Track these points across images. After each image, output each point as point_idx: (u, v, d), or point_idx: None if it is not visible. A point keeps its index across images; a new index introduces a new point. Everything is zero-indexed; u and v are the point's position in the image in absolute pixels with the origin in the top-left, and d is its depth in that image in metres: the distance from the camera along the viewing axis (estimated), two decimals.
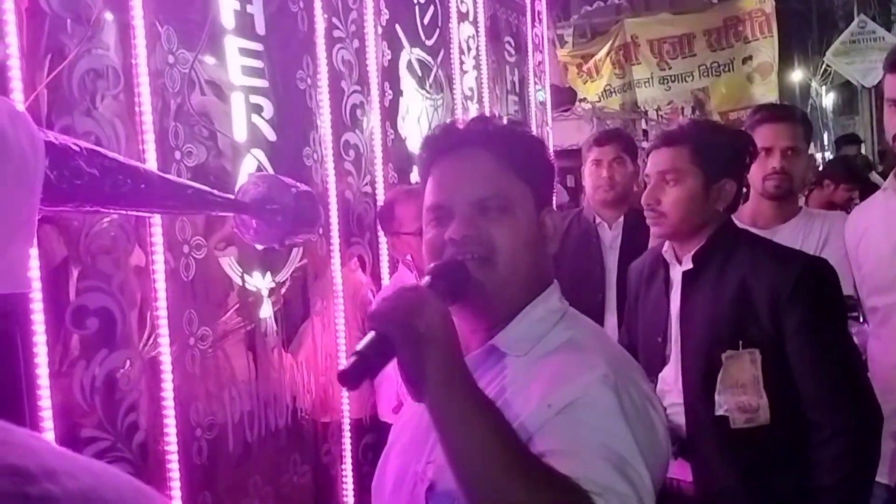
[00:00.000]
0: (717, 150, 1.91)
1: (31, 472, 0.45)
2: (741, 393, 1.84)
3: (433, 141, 1.18)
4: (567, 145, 6.33)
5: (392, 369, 0.98)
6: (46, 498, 0.44)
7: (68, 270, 1.66)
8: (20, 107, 1.45)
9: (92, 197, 1.25)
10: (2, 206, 0.99)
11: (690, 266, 1.92)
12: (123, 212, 1.43)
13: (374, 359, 0.93)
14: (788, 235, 2.46)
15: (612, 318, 2.84)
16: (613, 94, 10.38)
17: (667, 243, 2.01)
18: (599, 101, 10.24)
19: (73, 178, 1.20)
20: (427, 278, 1.04)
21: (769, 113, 2.68)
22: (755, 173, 2.46)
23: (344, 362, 1.13)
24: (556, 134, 5.63)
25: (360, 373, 0.93)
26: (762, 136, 2.49)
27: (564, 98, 6.79)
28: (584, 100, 10.08)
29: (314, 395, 2.34)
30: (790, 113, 2.74)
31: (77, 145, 1.23)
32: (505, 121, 1.26)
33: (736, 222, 2.09)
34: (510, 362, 1.10)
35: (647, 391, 1.09)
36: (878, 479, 2.28)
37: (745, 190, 2.31)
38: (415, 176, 3.04)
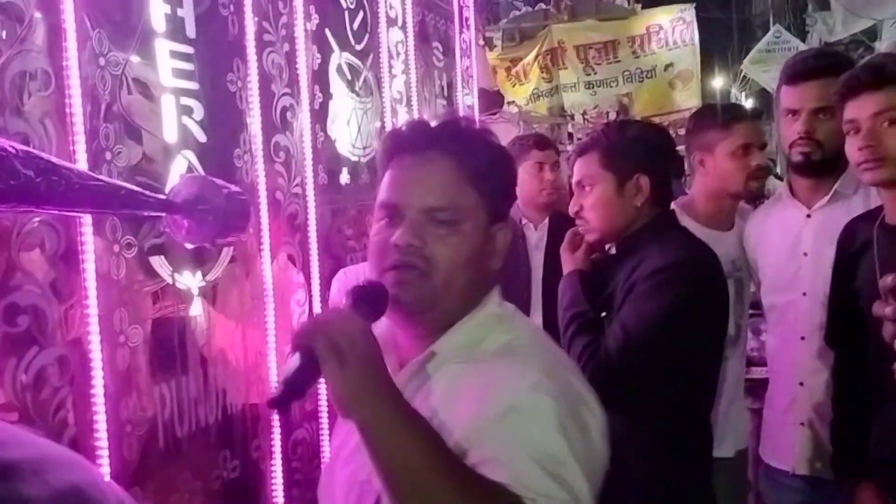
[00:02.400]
0: (623, 149, 2.01)
1: None
2: None
3: (398, 136, 1.17)
4: None
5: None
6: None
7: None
8: None
9: (28, 198, 1.29)
10: None
11: (612, 251, 2.04)
12: (57, 212, 1.47)
13: (300, 382, 0.94)
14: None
15: (537, 317, 2.96)
16: (541, 98, 10.61)
17: None
18: (527, 104, 10.44)
19: (9, 179, 1.24)
20: (348, 301, 1.04)
21: (739, 110, 2.61)
22: (730, 172, 2.45)
23: (273, 388, 1.17)
24: None
25: (288, 397, 0.95)
26: (739, 134, 2.44)
27: (492, 101, 6.91)
28: (512, 103, 10.26)
29: (243, 392, 2.38)
30: (752, 112, 2.65)
31: (13, 147, 1.27)
32: (477, 127, 1.21)
33: (684, 217, 2.15)
34: (450, 369, 1.10)
35: (582, 394, 1.07)
36: (779, 466, 2.45)
37: (683, 178, 2.33)
38: (344, 177, 3.11)
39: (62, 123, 1.79)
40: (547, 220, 3.11)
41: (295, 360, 0.95)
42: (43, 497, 0.50)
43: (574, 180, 2.07)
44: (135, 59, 2.02)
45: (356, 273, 2.88)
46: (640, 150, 2.01)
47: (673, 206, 2.64)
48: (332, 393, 0.94)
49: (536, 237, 3.18)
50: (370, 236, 1.17)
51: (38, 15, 1.79)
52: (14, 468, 0.51)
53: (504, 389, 1.02)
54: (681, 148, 2.86)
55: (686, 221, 2.40)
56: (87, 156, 1.80)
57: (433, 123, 1.18)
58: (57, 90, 1.79)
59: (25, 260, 1.69)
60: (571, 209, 2.08)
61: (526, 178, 3.16)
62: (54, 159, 1.34)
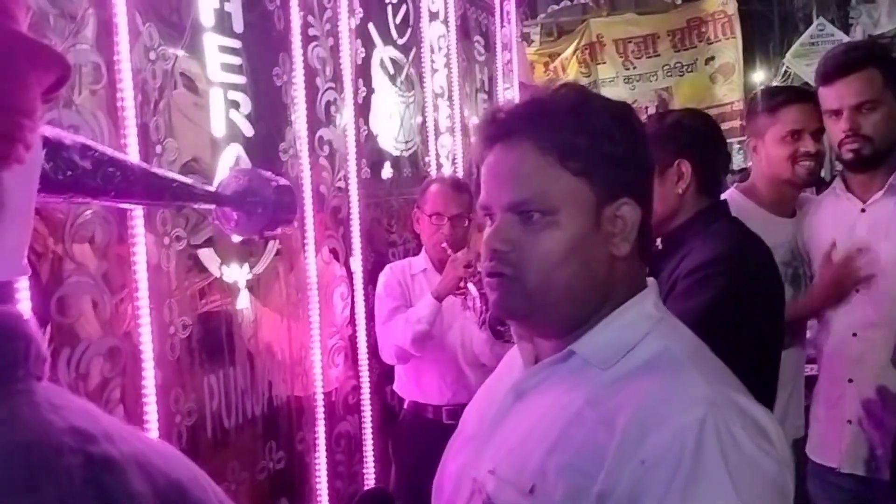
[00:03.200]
0: (662, 135, 1.95)
1: (93, 434, 0.51)
2: None
3: (479, 130, 1.03)
4: None
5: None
6: (106, 457, 0.50)
7: (53, 260, 1.70)
8: None
9: (84, 189, 1.30)
10: (6, 189, 1.05)
11: (659, 246, 1.97)
12: (112, 203, 1.48)
13: None
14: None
15: None
16: None
17: None
18: None
19: (66, 170, 1.25)
20: None
21: (792, 93, 2.49)
22: (778, 158, 2.36)
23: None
24: None
25: None
26: (789, 118, 2.36)
27: None
28: None
29: (288, 384, 2.40)
30: (810, 94, 2.40)
31: (70, 138, 1.29)
32: (565, 98, 0.99)
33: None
34: (592, 376, 0.96)
35: (756, 417, 0.90)
36: (826, 463, 2.40)
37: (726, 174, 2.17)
38: (386, 171, 3.11)
39: (113, 117, 1.81)
40: None
41: None
42: (147, 492, 0.50)
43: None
44: (184, 53, 2.03)
45: (401, 269, 2.88)
46: (680, 135, 1.94)
47: (734, 189, 2.59)
48: None
49: None
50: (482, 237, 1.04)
51: (90, 10, 1.81)
52: (120, 462, 0.51)
53: (663, 425, 0.86)
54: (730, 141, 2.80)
55: (747, 205, 2.36)
56: (137, 148, 1.82)
57: (510, 107, 1.03)
58: (108, 84, 1.82)
59: (78, 252, 1.71)
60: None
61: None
62: (109, 151, 1.36)
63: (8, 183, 0.46)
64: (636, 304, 1.00)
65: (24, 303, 1.54)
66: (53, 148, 1.23)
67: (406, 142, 3.22)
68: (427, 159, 3.41)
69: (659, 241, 1.99)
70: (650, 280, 1.08)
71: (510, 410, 1.04)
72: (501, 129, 0.99)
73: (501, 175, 0.98)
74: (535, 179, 0.96)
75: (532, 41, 11.30)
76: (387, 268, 2.90)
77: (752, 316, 1.80)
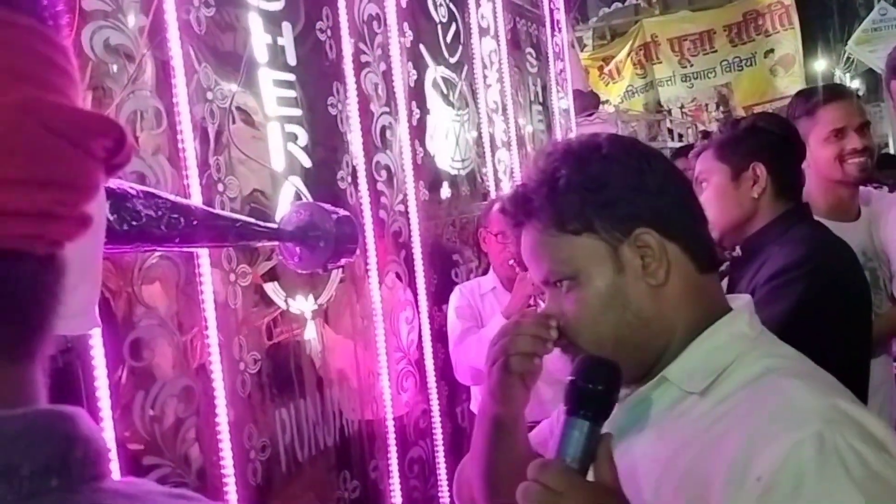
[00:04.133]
0: (736, 139, 1.90)
1: None
2: None
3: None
4: None
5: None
6: None
7: (122, 304, 1.73)
8: None
9: (149, 237, 1.32)
10: (71, 253, 1.06)
11: (738, 254, 1.92)
12: (177, 249, 1.50)
13: None
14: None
15: None
16: (636, 95, 10.40)
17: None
18: (622, 102, 10.25)
19: (131, 221, 1.27)
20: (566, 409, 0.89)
21: (828, 92, 2.45)
22: (825, 159, 2.30)
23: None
24: None
25: None
26: (830, 117, 2.32)
27: (588, 103, 6.80)
28: (606, 101, 10.10)
29: (359, 412, 2.40)
30: (848, 90, 2.51)
31: (133, 188, 1.30)
32: (547, 164, 1.03)
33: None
34: (693, 404, 0.95)
35: (873, 429, 0.85)
36: None
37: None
38: (445, 191, 3.10)
39: (175, 159, 1.84)
40: None
41: None
42: None
43: (694, 178, 1.98)
44: (240, 90, 2.06)
45: (471, 289, 2.87)
46: (755, 138, 1.90)
47: None
48: None
49: None
50: None
51: (147, 53, 1.84)
52: None
53: (776, 441, 0.84)
54: None
55: None
56: (200, 189, 1.84)
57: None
58: (168, 127, 1.84)
59: (147, 294, 1.74)
60: None
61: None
62: (172, 197, 1.37)
63: (71, 249, 0.46)
64: (727, 324, 0.99)
65: (97, 349, 1.57)
66: (117, 199, 1.25)
67: (463, 160, 3.21)
68: (485, 176, 3.38)
69: (738, 248, 1.93)
70: (744, 297, 1.07)
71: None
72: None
73: (528, 259, 1.06)
74: (547, 254, 1.02)
75: (585, 46, 11.23)
76: (456, 289, 2.90)
77: (835, 321, 1.72)
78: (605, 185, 0.99)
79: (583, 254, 0.99)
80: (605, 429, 0.93)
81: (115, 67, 1.76)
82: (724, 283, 1.94)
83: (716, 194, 1.89)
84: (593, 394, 0.87)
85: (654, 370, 0.99)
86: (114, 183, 1.28)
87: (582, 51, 10.88)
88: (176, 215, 1.33)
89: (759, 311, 1.66)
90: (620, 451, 0.96)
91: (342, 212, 1.91)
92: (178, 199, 1.38)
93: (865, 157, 2.29)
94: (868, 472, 0.80)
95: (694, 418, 0.94)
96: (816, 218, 2.30)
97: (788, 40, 9.63)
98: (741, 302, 1.04)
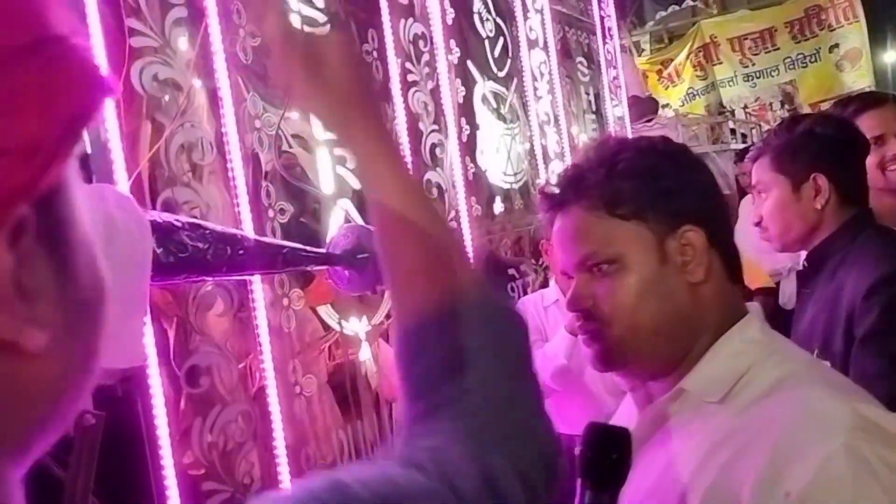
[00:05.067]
0: (794, 147, 1.81)
1: None
2: None
3: (540, 206, 1.11)
4: None
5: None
6: None
7: (178, 332, 1.77)
8: (124, 184, 1.57)
9: (197, 268, 1.34)
10: (116, 287, 1.09)
11: (804, 266, 1.82)
12: (226, 278, 1.52)
13: None
14: None
15: None
16: (697, 97, 10.21)
17: (801, 257, 1.88)
18: (683, 105, 10.08)
19: (178, 252, 1.29)
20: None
21: (866, 100, 2.39)
22: (869, 166, 2.14)
23: None
24: None
25: None
26: (869, 125, 2.22)
27: (647, 108, 6.70)
28: (667, 105, 9.94)
29: None
30: (886, 96, 2.42)
31: (179, 221, 1.33)
32: (603, 150, 1.06)
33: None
34: (712, 413, 0.96)
35: (894, 430, 0.87)
36: None
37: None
38: (498, 206, 3.09)
39: (226, 188, 1.87)
40: None
41: None
42: None
43: (752, 186, 1.91)
44: (287, 115, 2.09)
45: (534, 302, 2.85)
46: (814, 145, 1.81)
47: None
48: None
49: None
50: None
51: (196, 83, 1.88)
52: None
53: (804, 455, 0.84)
54: None
55: None
56: (251, 216, 1.87)
57: (559, 178, 1.10)
58: (218, 156, 1.88)
59: (202, 322, 1.77)
60: (752, 219, 1.91)
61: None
62: (219, 227, 1.40)
63: (109, 279, 0.44)
64: (739, 331, 1.00)
65: (154, 378, 1.61)
66: (164, 233, 1.28)
67: (515, 173, 3.19)
68: (537, 189, 3.36)
69: (803, 260, 1.85)
70: (753, 305, 1.08)
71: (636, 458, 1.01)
72: (552, 203, 1.07)
73: (564, 241, 1.05)
74: (591, 235, 1.01)
75: (643, 50, 11.08)
76: (518, 303, 2.88)
77: None
78: (661, 177, 1.01)
79: (628, 239, 1.00)
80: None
81: (165, 99, 1.81)
82: (790, 295, 1.87)
83: (777, 207, 1.81)
84: (612, 464, 0.87)
85: (673, 371, 1.00)
86: (159, 216, 1.31)
87: (640, 55, 10.74)
88: (223, 245, 1.36)
89: (878, 320, 1.57)
90: (644, 465, 0.97)
91: None
92: (225, 229, 1.41)
93: None
94: (895, 475, 0.82)
95: (714, 428, 0.94)
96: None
97: (854, 34, 9.33)
98: (753, 308, 1.06)
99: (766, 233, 1.86)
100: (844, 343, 1.65)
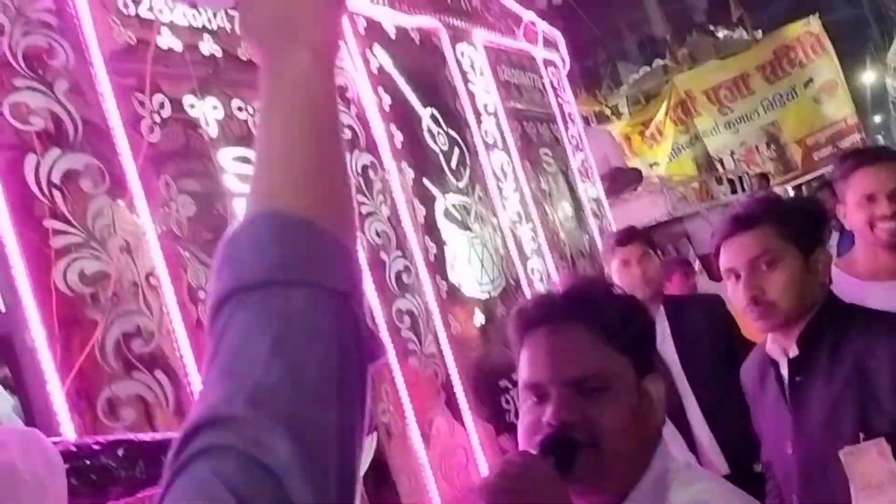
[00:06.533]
0: (800, 219, 1.73)
1: None
2: (878, 494, 1.51)
3: (526, 314, 1.11)
4: (646, 222, 6.22)
5: None
6: None
7: None
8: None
9: (125, 488, 1.27)
10: None
11: (797, 353, 1.67)
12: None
13: None
14: None
15: (693, 407, 2.69)
16: (682, 151, 10.25)
17: (769, 337, 1.75)
18: (671, 160, 10.11)
19: (101, 479, 1.23)
20: (539, 452, 1.00)
21: (861, 157, 2.40)
22: (859, 223, 2.24)
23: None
24: (632, 214, 5.64)
25: None
26: (861, 182, 2.25)
27: (632, 177, 6.69)
28: (655, 164, 9.96)
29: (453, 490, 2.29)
30: (886, 153, 2.41)
31: (98, 443, 1.27)
32: (602, 285, 1.17)
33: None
34: None
35: None
36: None
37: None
38: (479, 318, 3.01)
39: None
40: (661, 308, 2.83)
41: None
42: None
43: (746, 258, 1.73)
44: None
45: None
46: (814, 220, 1.76)
47: (834, 264, 2.33)
48: None
49: (658, 332, 2.89)
50: (520, 424, 1.09)
51: None
52: None
53: None
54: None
55: (843, 279, 2.11)
56: None
57: (557, 292, 1.13)
58: None
59: None
60: (749, 293, 1.75)
61: (617, 279, 2.94)
62: (147, 437, 1.33)
63: None
64: (655, 464, 1.07)
65: None
66: (79, 459, 1.21)
67: (492, 280, 3.13)
68: (519, 291, 3.28)
69: (794, 345, 1.73)
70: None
71: None
72: (550, 313, 1.08)
73: (559, 354, 1.05)
74: (592, 357, 1.04)
75: (622, 113, 11.17)
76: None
77: None
78: (636, 322, 1.11)
79: (619, 371, 1.06)
80: None
81: None
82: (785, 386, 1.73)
83: (793, 278, 1.65)
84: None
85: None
86: (72, 444, 1.25)
87: (619, 119, 10.84)
88: (154, 455, 1.29)
89: None
90: None
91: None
92: (155, 436, 1.34)
93: (893, 221, 2.16)
94: None
95: None
96: (859, 279, 2.15)
97: (826, 66, 9.39)
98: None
99: (769, 308, 1.71)
100: (886, 419, 1.53)
